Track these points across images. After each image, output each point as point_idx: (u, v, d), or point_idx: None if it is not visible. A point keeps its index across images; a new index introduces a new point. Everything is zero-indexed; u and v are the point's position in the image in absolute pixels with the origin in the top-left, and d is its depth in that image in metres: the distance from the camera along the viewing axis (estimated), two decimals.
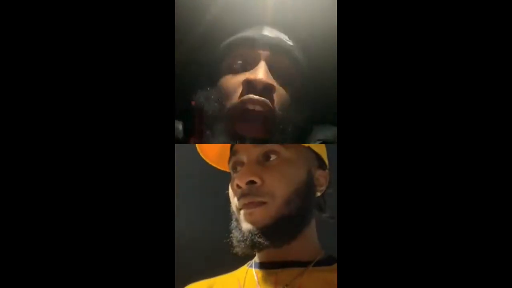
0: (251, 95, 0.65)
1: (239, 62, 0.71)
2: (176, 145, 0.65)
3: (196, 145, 0.64)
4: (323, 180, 0.60)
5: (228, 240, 0.59)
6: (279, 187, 0.55)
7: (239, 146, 0.59)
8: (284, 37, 0.74)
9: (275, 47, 0.71)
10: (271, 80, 0.68)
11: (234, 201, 0.58)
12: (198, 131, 0.73)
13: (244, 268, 0.62)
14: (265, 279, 0.57)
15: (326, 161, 0.62)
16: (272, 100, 0.67)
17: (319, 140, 0.72)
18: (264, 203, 0.54)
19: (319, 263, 0.58)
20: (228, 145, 0.62)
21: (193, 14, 0.77)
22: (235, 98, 0.68)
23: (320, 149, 0.61)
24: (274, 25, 0.75)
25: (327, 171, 0.61)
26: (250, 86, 0.67)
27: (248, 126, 0.65)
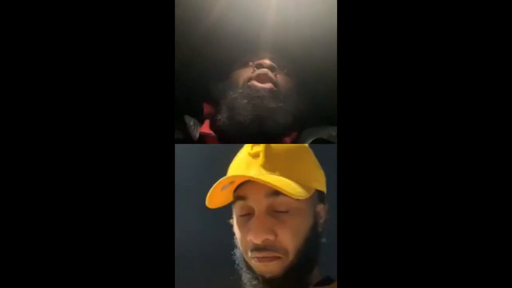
0: (262, 69, 0.81)
1: (250, 60, 0.85)
2: (176, 145, 0.65)
3: (209, 192, 0.60)
4: (323, 212, 0.62)
5: (236, 276, 0.61)
6: (292, 242, 0.57)
7: (246, 192, 0.58)
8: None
9: (276, 55, 0.85)
10: (275, 65, 0.83)
11: (245, 248, 0.59)
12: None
13: None
14: None
15: (325, 192, 0.63)
16: (276, 77, 0.82)
17: (317, 138, 0.76)
18: (278, 257, 0.56)
19: (317, 284, 0.60)
20: (231, 192, 0.61)
21: (194, 14, 0.81)
22: (247, 76, 0.82)
23: (322, 184, 0.62)
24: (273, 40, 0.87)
25: (326, 204, 0.63)
26: (259, 65, 0.82)
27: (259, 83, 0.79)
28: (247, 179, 0.57)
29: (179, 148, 0.67)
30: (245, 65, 0.85)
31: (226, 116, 0.79)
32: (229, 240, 0.62)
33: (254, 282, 0.58)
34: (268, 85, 0.79)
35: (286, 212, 0.57)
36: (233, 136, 0.77)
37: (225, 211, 0.64)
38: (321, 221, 0.61)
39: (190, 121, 0.82)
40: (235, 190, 0.60)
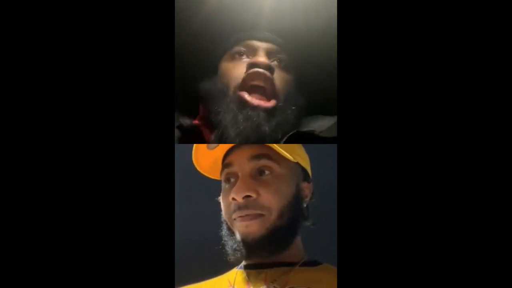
0: (256, 69, 0.73)
1: (242, 49, 0.77)
2: (176, 145, 0.65)
3: (193, 149, 0.64)
4: (308, 191, 0.65)
5: (220, 247, 0.62)
6: (274, 201, 0.59)
7: (232, 158, 0.61)
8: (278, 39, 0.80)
9: (272, 41, 0.79)
10: (271, 63, 0.76)
11: (228, 212, 0.61)
12: (205, 124, 0.77)
13: (234, 270, 0.65)
14: (255, 277, 0.61)
15: (310, 174, 0.66)
16: (273, 78, 0.74)
17: (312, 130, 0.74)
18: (261, 215, 0.58)
19: (304, 265, 0.62)
20: (221, 156, 0.64)
21: (191, 8, 0.78)
22: (240, 77, 0.74)
23: (306, 162, 0.65)
24: (270, 24, 0.80)
25: (311, 183, 0.66)
26: (253, 65, 0.74)
27: (254, 96, 0.72)
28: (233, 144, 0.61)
29: (179, 148, 0.67)
30: (234, 56, 0.78)
31: (221, 136, 0.72)
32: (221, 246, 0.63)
33: (235, 246, 0.59)
34: (263, 103, 0.72)
35: (268, 174, 0.60)
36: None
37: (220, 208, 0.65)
38: (306, 199, 0.64)
39: (186, 121, 0.79)
40: (223, 160, 0.63)
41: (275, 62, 0.77)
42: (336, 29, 0.64)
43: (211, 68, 0.80)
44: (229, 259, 0.61)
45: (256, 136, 0.70)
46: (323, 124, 0.75)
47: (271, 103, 0.73)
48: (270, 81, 0.74)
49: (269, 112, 0.72)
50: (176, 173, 0.64)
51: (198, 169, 0.66)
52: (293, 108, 0.75)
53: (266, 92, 0.73)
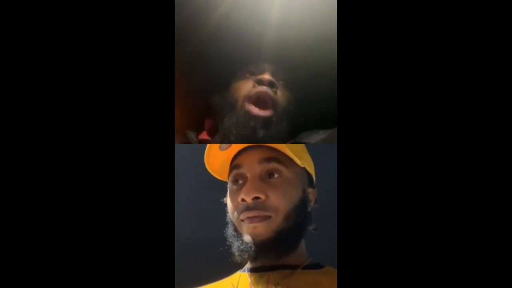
0: (262, 86, 0.80)
1: (252, 70, 0.85)
2: (176, 145, 0.65)
3: (206, 148, 0.65)
4: (312, 196, 0.66)
5: (226, 247, 0.62)
6: (282, 203, 0.60)
7: (241, 160, 0.62)
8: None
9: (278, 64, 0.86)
10: (275, 80, 0.83)
11: (235, 213, 0.61)
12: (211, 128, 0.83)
13: (238, 273, 0.65)
14: (258, 280, 0.61)
15: (314, 180, 0.67)
16: (275, 94, 0.81)
17: (307, 142, 0.78)
18: (268, 217, 0.59)
19: (306, 267, 0.62)
20: (230, 157, 0.64)
21: (196, 15, 0.82)
22: (247, 91, 0.82)
23: (311, 168, 0.67)
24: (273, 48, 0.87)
25: (315, 189, 0.67)
26: (259, 81, 0.81)
27: (257, 109, 0.79)
28: (245, 145, 0.62)
29: (179, 148, 0.68)
30: (243, 76, 0.85)
31: (220, 141, 0.79)
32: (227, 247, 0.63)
33: (242, 247, 0.59)
34: (265, 113, 0.79)
35: (277, 177, 0.61)
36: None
37: (225, 210, 0.65)
38: (311, 204, 0.65)
39: (193, 136, 0.84)
40: (231, 162, 0.64)
41: (281, 82, 0.83)
42: (336, 49, 0.65)
43: (223, 85, 0.87)
44: (236, 260, 0.62)
45: (253, 140, 0.74)
46: (318, 137, 0.80)
47: (267, 112, 0.79)
48: (271, 97, 0.80)
49: (266, 120, 0.78)
50: (176, 173, 0.64)
51: (208, 168, 0.66)
52: (289, 121, 0.81)
53: (267, 105, 0.80)
